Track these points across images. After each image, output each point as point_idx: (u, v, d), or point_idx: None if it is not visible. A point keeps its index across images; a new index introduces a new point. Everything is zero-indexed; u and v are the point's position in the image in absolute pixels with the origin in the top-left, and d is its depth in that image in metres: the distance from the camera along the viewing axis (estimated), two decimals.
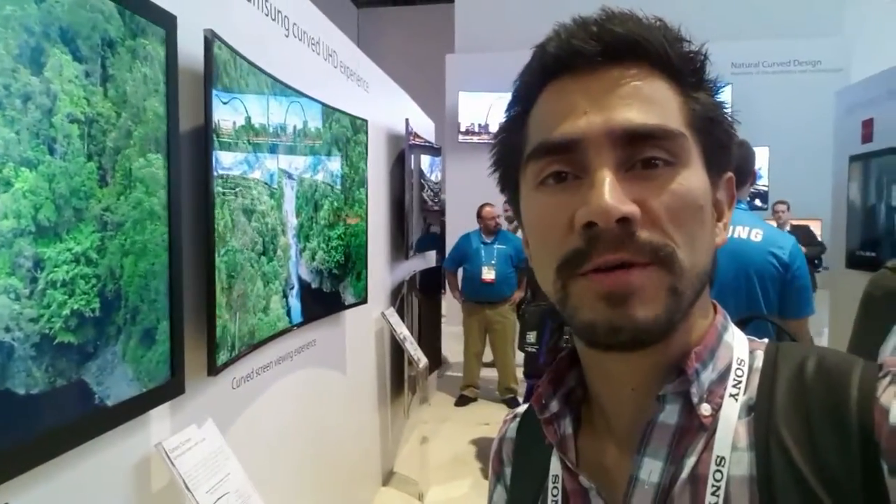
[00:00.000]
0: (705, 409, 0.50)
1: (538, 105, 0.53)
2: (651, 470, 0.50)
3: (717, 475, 0.48)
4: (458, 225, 6.88)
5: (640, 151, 0.48)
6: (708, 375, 0.51)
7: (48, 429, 1.09)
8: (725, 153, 0.53)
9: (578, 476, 0.55)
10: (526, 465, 0.65)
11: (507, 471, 0.68)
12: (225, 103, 1.67)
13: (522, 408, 0.70)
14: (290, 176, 2.19)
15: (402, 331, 3.72)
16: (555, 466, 0.59)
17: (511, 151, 0.56)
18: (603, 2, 0.56)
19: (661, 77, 0.50)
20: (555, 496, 0.58)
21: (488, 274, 5.11)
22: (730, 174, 0.56)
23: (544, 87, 0.52)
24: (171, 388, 1.41)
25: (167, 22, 1.38)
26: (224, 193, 1.67)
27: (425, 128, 5.00)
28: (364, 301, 3.03)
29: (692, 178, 0.49)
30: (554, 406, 0.58)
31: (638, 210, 0.46)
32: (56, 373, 1.11)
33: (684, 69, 0.51)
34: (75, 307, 1.16)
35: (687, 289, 0.48)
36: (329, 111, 2.55)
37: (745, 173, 2.17)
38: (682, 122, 0.49)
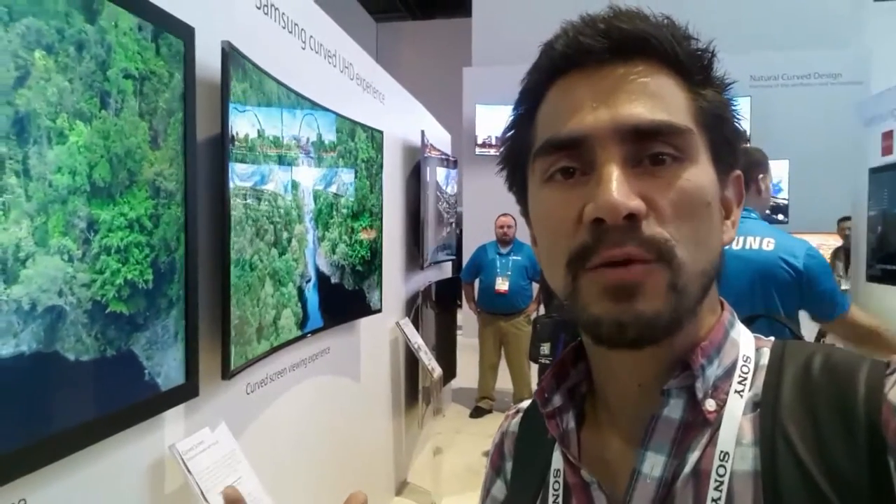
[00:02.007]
0: (710, 404, 0.50)
1: (546, 102, 0.53)
2: (654, 464, 0.50)
3: (721, 470, 0.48)
4: (475, 237, 6.89)
5: (648, 147, 0.48)
6: (713, 371, 0.51)
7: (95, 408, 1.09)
8: (733, 150, 0.53)
9: (580, 470, 0.54)
10: (527, 459, 0.64)
11: (508, 465, 0.68)
12: (241, 113, 1.70)
13: (525, 403, 0.70)
14: (305, 189, 2.21)
15: (417, 341, 3.73)
16: (557, 461, 0.59)
17: (519, 149, 0.57)
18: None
19: (669, 74, 0.50)
20: (556, 490, 0.58)
21: (502, 285, 5.09)
22: (738, 172, 0.56)
23: (552, 84, 0.52)
24: (185, 391, 1.43)
25: (185, 33, 1.41)
26: (242, 201, 1.70)
27: (442, 140, 5.02)
28: (379, 310, 3.04)
29: (700, 175, 0.49)
30: (557, 400, 0.58)
31: (644, 206, 0.46)
32: (106, 342, 1.09)
33: (692, 66, 0.51)
34: (129, 276, 1.14)
35: (689, 285, 0.48)
36: (344, 122, 2.58)
37: (747, 180, 2.16)
38: (690, 118, 0.50)
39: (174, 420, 1.48)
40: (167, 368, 1.34)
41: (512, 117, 0.58)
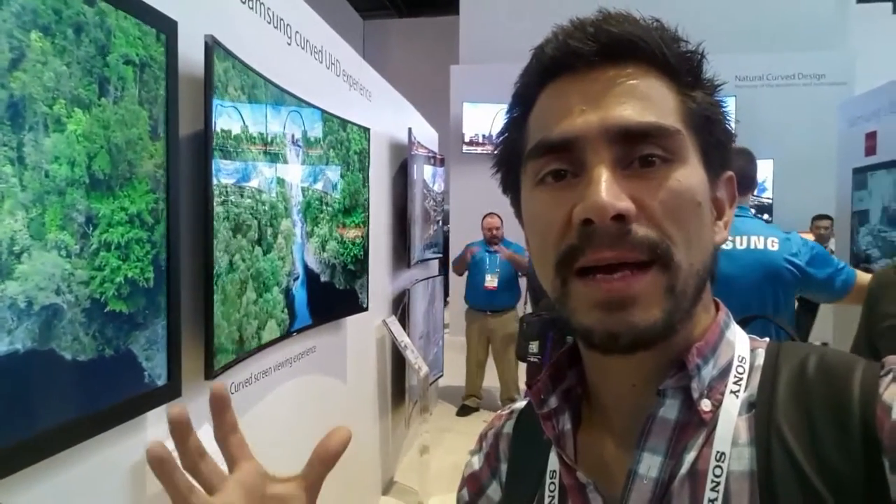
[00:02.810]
0: (705, 404, 0.50)
1: (537, 105, 0.54)
2: (650, 465, 0.50)
3: (717, 471, 0.48)
4: (463, 235, 6.89)
5: (637, 149, 0.48)
6: (709, 371, 0.51)
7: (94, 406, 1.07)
8: (724, 151, 0.54)
9: (576, 471, 0.54)
10: (523, 460, 0.64)
11: (503, 467, 0.67)
12: (224, 108, 1.68)
13: (520, 404, 0.70)
14: (292, 184, 2.19)
15: (404, 339, 3.72)
16: (552, 462, 0.58)
17: (512, 152, 0.57)
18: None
19: (658, 76, 0.50)
20: (552, 492, 0.58)
21: (491, 282, 5.11)
22: (730, 173, 0.56)
23: (543, 87, 0.53)
24: (167, 391, 1.40)
25: (168, 27, 1.38)
26: (226, 197, 1.67)
27: (429, 138, 5.01)
28: (366, 308, 3.02)
29: (689, 175, 0.49)
30: (553, 401, 0.58)
31: (633, 207, 0.46)
32: (104, 342, 1.06)
33: (681, 68, 0.51)
34: (129, 274, 1.11)
35: (686, 287, 0.48)
36: (329, 118, 2.55)
37: (747, 181, 2.18)
38: (679, 119, 0.50)
39: (156, 421, 1.45)
40: (160, 369, 1.31)
41: (505, 121, 0.58)
